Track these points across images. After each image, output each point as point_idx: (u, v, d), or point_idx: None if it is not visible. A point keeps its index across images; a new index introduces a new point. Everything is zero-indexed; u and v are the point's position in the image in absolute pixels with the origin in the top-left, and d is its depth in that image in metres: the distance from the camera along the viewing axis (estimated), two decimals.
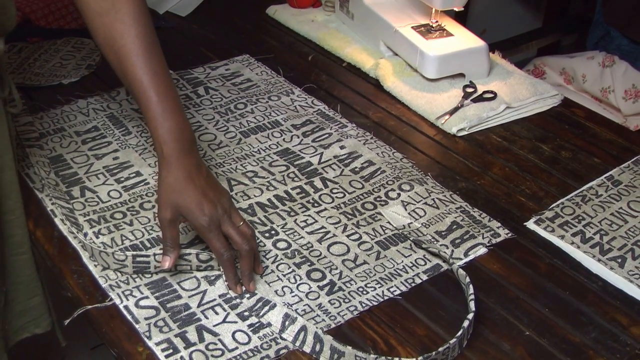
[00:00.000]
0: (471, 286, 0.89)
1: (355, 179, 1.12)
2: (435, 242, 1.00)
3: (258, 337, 0.86)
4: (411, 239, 1.00)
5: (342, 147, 1.19)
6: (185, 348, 0.84)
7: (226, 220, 0.90)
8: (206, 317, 0.88)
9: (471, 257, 0.98)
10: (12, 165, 0.99)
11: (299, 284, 0.93)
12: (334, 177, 1.12)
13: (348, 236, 1.01)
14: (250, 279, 0.91)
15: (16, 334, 1.06)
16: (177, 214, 0.89)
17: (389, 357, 0.81)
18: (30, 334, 1.07)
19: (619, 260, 0.97)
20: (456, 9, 1.33)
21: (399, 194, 1.09)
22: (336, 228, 1.02)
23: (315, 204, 1.07)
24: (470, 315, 0.85)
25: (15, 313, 1.05)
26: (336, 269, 0.95)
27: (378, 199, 1.08)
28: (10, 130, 1.01)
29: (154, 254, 0.92)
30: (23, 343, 1.07)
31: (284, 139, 1.21)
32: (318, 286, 0.93)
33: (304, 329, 0.85)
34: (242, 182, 1.11)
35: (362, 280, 0.94)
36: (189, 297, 0.91)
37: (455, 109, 1.27)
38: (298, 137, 1.21)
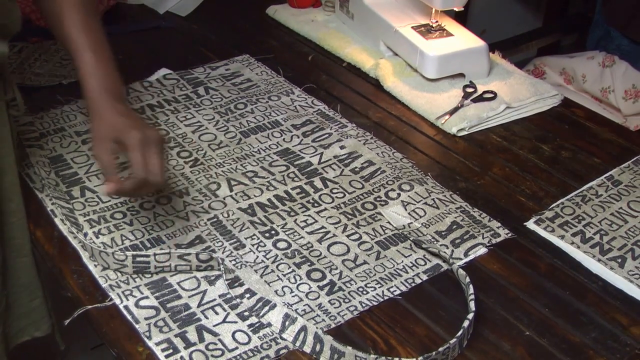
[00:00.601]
0: (471, 286, 0.89)
1: (355, 179, 1.12)
2: (435, 242, 1.00)
3: (258, 337, 0.86)
4: (411, 239, 1.00)
5: (342, 147, 1.19)
6: (185, 348, 0.84)
7: (154, 145, 0.90)
8: (206, 317, 0.88)
9: (471, 257, 0.98)
10: (14, 168, 0.99)
11: (299, 284, 0.93)
12: (334, 177, 1.12)
13: (348, 236, 1.01)
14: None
15: (16, 336, 1.06)
16: (109, 142, 0.91)
17: (389, 357, 0.81)
18: (30, 337, 1.07)
19: (619, 260, 0.97)
20: (456, 9, 1.33)
21: (399, 194, 1.09)
22: (336, 228, 1.02)
23: (315, 204, 1.07)
24: (470, 315, 0.85)
25: (16, 316, 1.05)
26: (336, 269, 0.95)
27: (378, 199, 1.08)
28: (12, 133, 1.01)
29: (154, 254, 0.92)
30: (22, 345, 1.07)
31: (284, 139, 1.21)
32: (318, 286, 0.93)
33: (304, 329, 0.85)
34: (242, 182, 1.11)
35: (362, 280, 0.94)
36: (189, 297, 0.91)
37: (455, 109, 1.27)
38: (298, 137, 1.21)
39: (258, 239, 1.00)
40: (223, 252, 0.97)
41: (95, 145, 0.92)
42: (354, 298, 0.91)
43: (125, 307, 0.89)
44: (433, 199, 1.08)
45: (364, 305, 0.90)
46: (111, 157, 0.91)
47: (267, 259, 0.97)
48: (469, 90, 1.31)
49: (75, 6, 0.96)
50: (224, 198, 1.07)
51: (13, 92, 1.01)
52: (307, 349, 0.84)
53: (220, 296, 0.91)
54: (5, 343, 1.03)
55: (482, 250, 0.99)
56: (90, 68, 0.95)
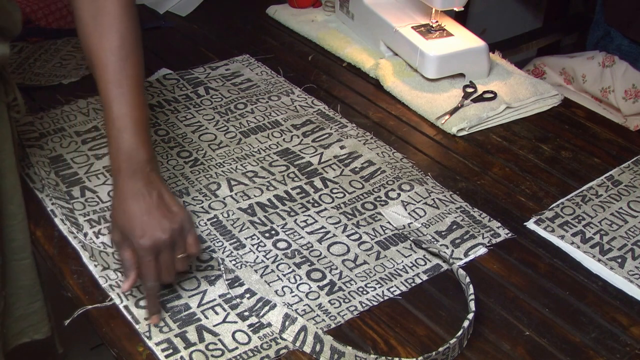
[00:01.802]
0: (471, 286, 0.89)
1: (355, 179, 1.12)
2: (435, 242, 1.00)
3: (258, 337, 0.86)
4: (411, 239, 1.00)
5: (342, 147, 1.19)
6: (185, 348, 0.84)
7: (167, 249, 0.85)
8: (206, 317, 0.88)
9: (471, 257, 0.98)
10: (14, 170, 0.99)
11: (299, 284, 0.93)
12: (334, 177, 1.12)
13: (348, 236, 1.01)
14: (152, 313, 0.87)
15: (14, 338, 1.05)
16: (123, 235, 0.85)
17: (389, 357, 0.81)
18: (30, 339, 1.07)
19: (619, 260, 0.97)
20: (456, 9, 1.33)
21: (399, 194, 1.09)
22: (336, 228, 1.02)
23: (315, 204, 1.07)
24: (471, 315, 0.85)
25: (15, 317, 1.04)
26: (336, 269, 0.95)
27: (378, 199, 1.08)
28: (13, 135, 1.00)
29: None
30: (21, 346, 1.07)
31: (284, 139, 1.21)
32: (318, 286, 0.93)
33: (304, 329, 0.85)
34: (242, 182, 1.11)
35: (362, 280, 0.94)
36: (189, 297, 0.91)
37: (455, 109, 1.27)
38: (298, 137, 1.21)
39: (258, 239, 1.00)
40: (223, 252, 0.97)
41: (112, 232, 0.87)
42: (354, 298, 0.91)
43: (125, 307, 0.89)
44: (433, 199, 1.08)
45: (364, 305, 0.90)
46: (128, 251, 0.85)
47: (267, 259, 0.97)
48: (469, 90, 1.31)
49: (111, 60, 0.87)
50: (224, 198, 1.07)
51: (14, 94, 1.00)
52: (307, 349, 0.84)
53: (220, 296, 0.91)
54: (3, 344, 1.03)
55: (482, 250, 0.99)
56: (113, 133, 0.86)
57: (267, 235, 1.01)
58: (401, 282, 0.94)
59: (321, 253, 0.98)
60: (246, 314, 0.89)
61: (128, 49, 0.89)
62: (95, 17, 0.88)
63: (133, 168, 0.86)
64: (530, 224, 1.04)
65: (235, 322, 0.87)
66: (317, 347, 0.83)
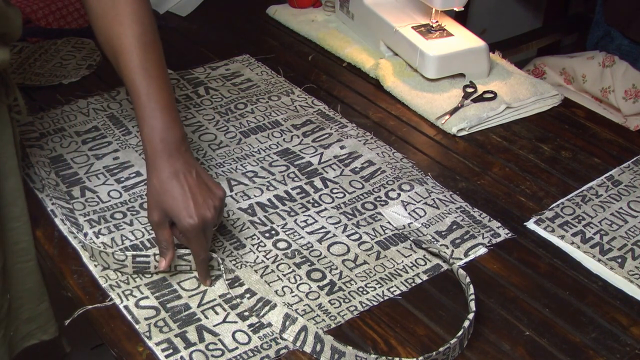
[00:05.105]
0: (471, 286, 0.89)
1: (356, 179, 1.12)
2: (435, 242, 1.00)
3: (258, 337, 0.86)
4: (411, 239, 1.00)
5: (342, 147, 1.19)
6: (185, 348, 0.84)
7: (210, 225, 0.89)
8: (206, 317, 0.88)
9: (471, 257, 0.98)
10: (17, 172, 0.98)
11: (299, 284, 0.93)
12: (334, 177, 1.12)
13: (348, 236, 1.01)
14: (206, 278, 0.93)
15: (23, 340, 1.05)
16: (164, 215, 0.88)
17: (389, 357, 0.81)
18: (38, 341, 1.06)
19: (619, 260, 0.97)
20: (456, 9, 1.33)
21: (399, 194, 1.09)
22: (336, 228, 1.02)
23: (316, 204, 1.07)
24: (471, 315, 0.85)
25: (22, 320, 1.03)
26: (336, 269, 0.95)
27: (378, 199, 1.08)
28: (15, 137, 1.00)
29: (154, 254, 0.92)
30: (25, 348, 1.07)
31: (284, 139, 1.21)
32: (318, 286, 0.93)
33: (304, 329, 0.85)
34: (242, 182, 1.11)
35: (362, 280, 0.94)
36: (189, 297, 0.91)
37: (455, 109, 1.27)
38: (298, 137, 1.21)
39: (258, 239, 1.00)
40: (223, 252, 0.97)
41: (149, 213, 0.89)
42: (354, 298, 0.91)
43: (125, 307, 0.89)
44: (433, 199, 1.08)
45: (364, 305, 0.90)
46: (167, 231, 0.89)
47: (267, 259, 0.97)
48: (469, 90, 1.31)
49: (135, 46, 0.90)
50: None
51: (15, 95, 1.00)
52: (308, 349, 0.84)
53: (220, 296, 0.91)
54: (10, 347, 1.02)
55: (482, 250, 0.99)
56: (145, 116, 0.89)
57: (267, 235, 1.01)
58: (401, 282, 0.94)
59: (321, 253, 0.98)
60: (246, 314, 0.89)
61: (150, 37, 0.92)
62: (113, 7, 0.90)
63: (169, 148, 0.89)
64: (530, 224, 1.04)
65: (236, 322, 0.88)
66: (318, 347, 0.83)
